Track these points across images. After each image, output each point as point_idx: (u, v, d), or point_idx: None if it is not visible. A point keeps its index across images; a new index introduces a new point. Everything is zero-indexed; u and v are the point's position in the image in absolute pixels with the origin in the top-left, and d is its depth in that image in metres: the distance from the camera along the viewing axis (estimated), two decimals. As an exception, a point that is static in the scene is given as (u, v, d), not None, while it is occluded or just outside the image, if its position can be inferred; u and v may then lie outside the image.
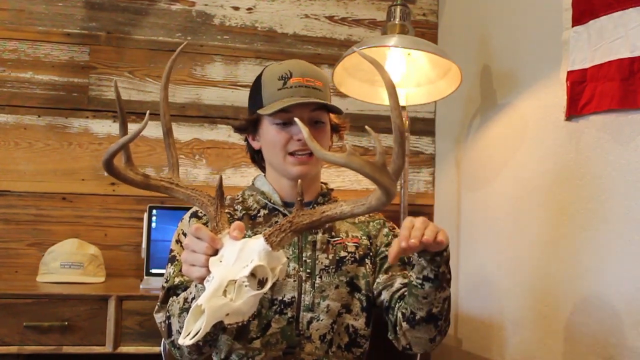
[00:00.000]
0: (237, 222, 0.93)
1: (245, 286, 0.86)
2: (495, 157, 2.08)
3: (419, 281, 1.10)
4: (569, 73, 1.65)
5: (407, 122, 2.13)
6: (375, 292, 1.27)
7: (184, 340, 0.83)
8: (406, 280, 1.20)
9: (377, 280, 1.26)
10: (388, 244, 1.28)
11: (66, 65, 2.28)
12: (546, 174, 1.79)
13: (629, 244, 1.47)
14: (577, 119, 1.65)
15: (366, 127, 0.87)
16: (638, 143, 1.45)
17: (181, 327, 1.07)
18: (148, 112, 0.99)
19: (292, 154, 1.22)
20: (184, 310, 1.07)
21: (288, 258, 1.19)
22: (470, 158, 2.26)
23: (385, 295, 1.24)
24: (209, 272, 0.89)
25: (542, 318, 1.77)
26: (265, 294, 1.16)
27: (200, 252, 0.92)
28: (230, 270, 0.87)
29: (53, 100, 2.26)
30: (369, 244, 1.28)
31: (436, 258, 1.06)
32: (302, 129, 0.86)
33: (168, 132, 1.05)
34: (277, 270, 0.90)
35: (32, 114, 2.24)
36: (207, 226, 1.22)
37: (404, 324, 1.17)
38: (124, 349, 1.85)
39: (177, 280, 1.18)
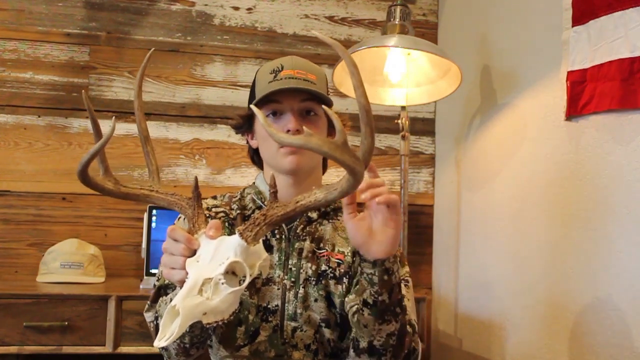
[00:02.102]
0: (213, 221, 0.91)
1: (222, 284, 0.84)
2: (495, 157, 2.08)
3: (359, 305, 1.04)
4: (569, 73, 1.65)
5: (407, 122, 2.13)
6: (346, 311, 1.19)
7: (159, 343, 0.81)
8: None
9: (346, 299, 1.17)
10: None
11: (66, 65, 2.28)
12: (546, 174, 1.79)
13: (629, 243, 1.47)
14: (577, 119, 1.65)
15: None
16: (638, 143, 1.45)
17: None
18: (114, 117, 0.99)
19: (283, 145, 1.20)
20: None
21: (275, 264, 1.17)
22: (470, 158, 2.26)
23: (350, 315, 1.16)
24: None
25: (542, 318, 1.77)
26: (252, 299, 1.15)
27: (178, 254, 0.91)
28: (206, 269, 0.85)
29: (53, 100, 2.26)
30: (351, 261, 1.22)
31: (374, 275, 1.01)
32: (257, 114, 0.84)
33: (145, 140, 1.03)
34: (256, 266, 0.88)
35: (32, 114, 2.24)
36: None
37: (350, 350, 1.12)
38: (124, 349, 1.85)
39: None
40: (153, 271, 2.11)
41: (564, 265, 1.69)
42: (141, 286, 2.00)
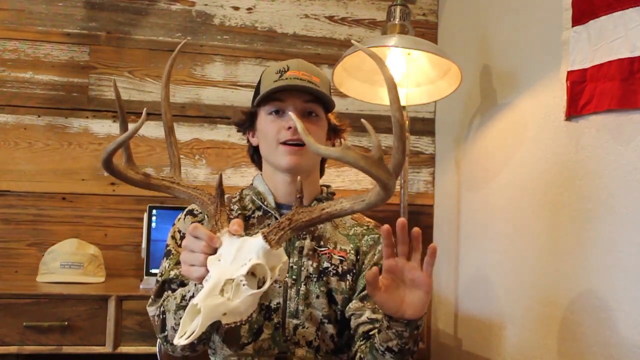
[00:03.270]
0: (235, 219, 0.93)
1: (243, 285, 0.84)
2: (495, 157, 2.08)
3: (382, 349, 1.06)
4: (569, 73, 1.65)
5: (407, 122, 2.13)
6: (347, 314, 1.23)
7: (179, 340, 0.81)
8: (374, 316, 1.17)
9: (349, 305, 1.22)
10: (376, 265, 1.24)
11: (66, 65, 2.28)
12: (546, 174, 1.79)
13: (629, 243, 1.47)
14: (577, 119, 1.65)
15: (362, 120, 0.84)
16: (638, 143, 1.45)
17: (177, 324, 1.07)
18: (145, 109, 0.99)
19: (283, 143, 1.20)
20: (181, 307, 1.06)
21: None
22: (470, 158, 2.26)
23: (352, 323, 1.21)
24: (208, 271, 0.88)
25: (542, 318, 1.77)
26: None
27: (199, 251, 0.91)
28: (228, 269, 0.85)
29: (53, 100, 2.26)
30: (355, 259, 1.24)
31: (405, 332, 1.02)
32: (295, 122, 0.84)
33: (170, 131, 1.03)
34: (277, 269, 0.89)
35: (32, 114, 2.24)
36: (202, 224, 1.22)
37: None
38: (124, 349, 1.85)
39: (172, 273, 1.18)
40: (153, 271, 2.11)
41: (564, 265, 1.69)
42: (141, 286, 2.00)
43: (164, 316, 1.13)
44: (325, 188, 1.33)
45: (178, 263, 1.18)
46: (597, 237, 1.57)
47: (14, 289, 1.95)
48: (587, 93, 1.59)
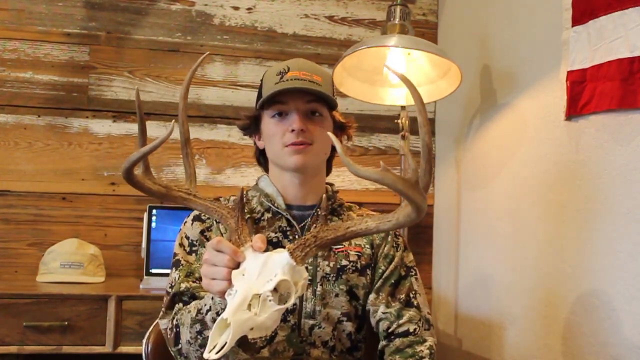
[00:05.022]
0: (259, 235, 0.93)
1: (270, 300, 0.85)
2: (495, 156, 2.08)
3: None
4: (569, 73, 1.65)
5: (407, 122, 2.13)
6: (367, 308, 1.26)
7: (210, 355, 0.82)
8: (389, 310, 1.21)
9: (369, 298, 1.25)
10: (387, 257, 1.27)
11: (66, 65, 2.28)
12: (546, 174, 1.79)
13: (629, 243, 1.47)
14: (577, 119, 1.65)
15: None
16: (638, 143, 1.45)
17: (192, 338, 1.07)
18: (174, 121, 0.98)
19: (288, 145, 1.21)
20: (197, 321, 1.05)
21: None
22: (470, 158, 2.26)
23: (371, 318, 1.25)
24: (230, 285, 0.89)
25: (542, 318, 1.77)
26: None
27: (222, 265, 0.91)
28: (254, 284, 0.86)
29: (53, 100, 2.26)
30: (371, 253, 1.27)
31: None
32: (335, 144, 0.84)
33: (186, 142, 1.02)
34: (299, 285, 0.89)
35: (32, 114, 2.24)
36: (211, 230, 1.21)
37: None
38: (124, 349, 1.85)
39: (183, 286, 1.16)
40: (153, 271, 2.11)
41: (564, 265, 1.69)
42: (141, 286, 2.00)
43: (178, 330, 1.12)
44: (329, 187, 1.33)
45: (188, 275, 1.17)
46: (597, 237, 1.57)
47: (14, 289, 1.95)
48: (587, 93, 1.59)
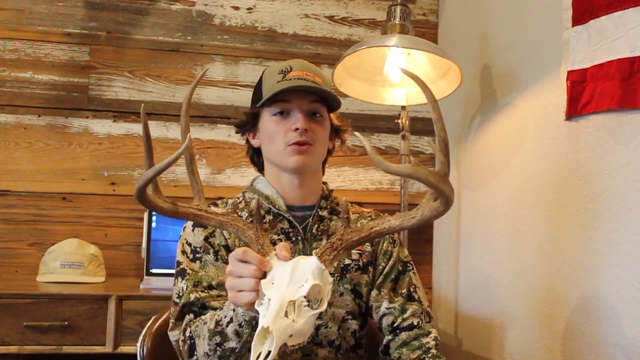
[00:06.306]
0: (282, 243, 0.92)
1: (305, 306, 0.85)
2: (495, 157, 2.08)
3: None
4: (569, 73, 1.65)
5: (407, 121, 2.13)
6: (370, 304, 1.27)
7: None
8: (392, 305, 1.23)
9: (372, 294, 1.26)
10: (386, 253, 1.28)
11: (66, 65, 2.28)
12: (546, 174, 1.79)
13: (629, 243, 1.47)
14: (577, 119, 1.65)
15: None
16: (638, 143, 1.45)
17: (210, 350, 1.05)
18: (189, 135, 0.96)
19: (291, 144, 1.20)
20: (217, 333, 1.04)
21: None
22: (470, 158, 2.26)
23: (374, 315, 1.26)
24: (257, 296, 0.88)
25: (542, 318, 1.77)
26: None
27: (249, 276, 0.90)
28: (287, 291, 0.86)
29: (53, 100, 2.26)
30: (371, 250, 1.27)
31: None
32: (364, 142, 0.85)
33: (191, 160, 1.01)
34: (326, 289, 0.90)
35: (32, 114, 2.25)
36: (214, 235, 1.20)
37: None
38: (124, 349, 1.85)
39: (192, 296, 1.14)
40: (153, 271, 2.11)
41: (564, 265, 1.69)
42: (141, 286, 2.00)
43: (192, 341, 1.10)
44: (324, 186, 1.33)
45: (196, 285, 1.15)
46: (597, 237, 1.57)
47: (14, 289, 1.95)
48: (587, 93, 1.59)
